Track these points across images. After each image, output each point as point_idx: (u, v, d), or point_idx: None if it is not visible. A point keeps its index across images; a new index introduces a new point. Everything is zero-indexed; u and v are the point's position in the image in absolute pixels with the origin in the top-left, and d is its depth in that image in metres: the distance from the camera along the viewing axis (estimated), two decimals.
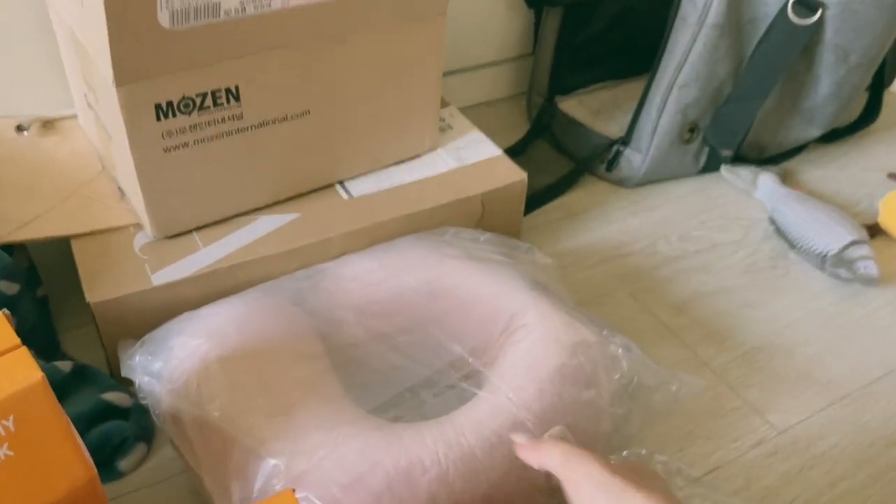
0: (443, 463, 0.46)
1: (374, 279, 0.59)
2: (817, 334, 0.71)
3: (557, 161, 0.92)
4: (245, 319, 0.53)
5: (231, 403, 0.48)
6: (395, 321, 0.58)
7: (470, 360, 0.56)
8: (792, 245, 0.79)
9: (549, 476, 0.44)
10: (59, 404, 0.38)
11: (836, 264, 0.75)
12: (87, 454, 0.39)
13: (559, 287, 0.63)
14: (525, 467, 0.45)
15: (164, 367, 0.51)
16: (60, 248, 0.65)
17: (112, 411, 0.57)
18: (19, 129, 0.71)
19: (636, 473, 0.41)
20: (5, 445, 0.36)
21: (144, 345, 0.53)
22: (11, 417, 0.36)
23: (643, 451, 0.53)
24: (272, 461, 0.45)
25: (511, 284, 0.58)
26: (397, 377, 0.56)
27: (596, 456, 0.42)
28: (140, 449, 0.56)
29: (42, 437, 0.37)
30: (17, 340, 0.38)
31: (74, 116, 0.73)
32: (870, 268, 0.74)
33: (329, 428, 0.47)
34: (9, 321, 0.39)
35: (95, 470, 0.39)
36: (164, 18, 0.50)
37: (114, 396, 0.57)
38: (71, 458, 0.38)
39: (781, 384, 0.66)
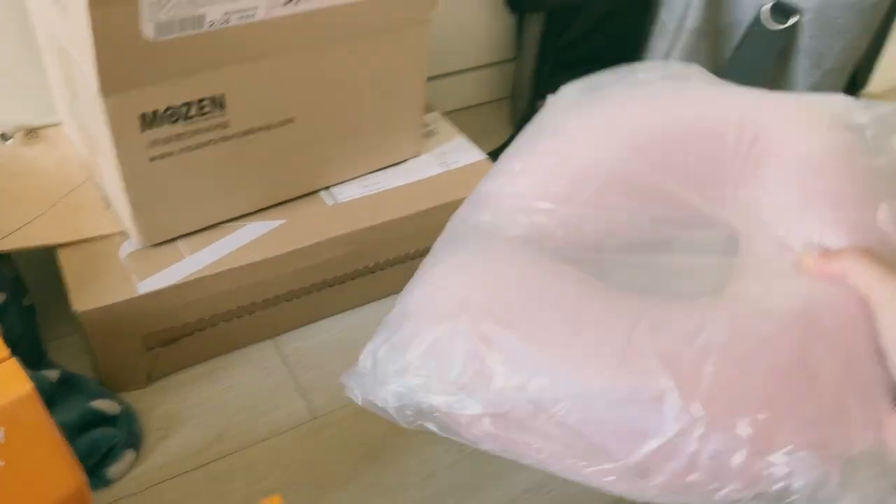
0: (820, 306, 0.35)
1: (548, 174, 0.45)
2: None
3: None
4: (487, 276, 0.41)
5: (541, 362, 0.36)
6: (608, 197, 0.44)
7: (707, 204, 0.43)
8: None
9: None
10: (48, 415, 0.38)
11: None
12: (76, 463, 0.40)
13: None
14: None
15: (431, 368, 0.38)
16: (46, 257, 0.65)
17: (100, 419, 0.57)
18: (3, 137, 0.71)
19: None
20: None
21: (371, 363, 0.40)
22: (2, 429, 0.36)
23: None
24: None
25: (723, 90, 0.46)
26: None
27: None
28: (128, 456, 0.57)
29: (32, 447, 0.37)
30: (6, 352, 0.39)
31: (59, 124, 0.74)
32: None
33: (679, 338, 0.35)
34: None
35: (85, 478, 0.40)
36: (148, 30, 0.50)
37: (102, 404, 0.58)
38: (60, 467, 0.39)
39: None
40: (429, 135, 0.78)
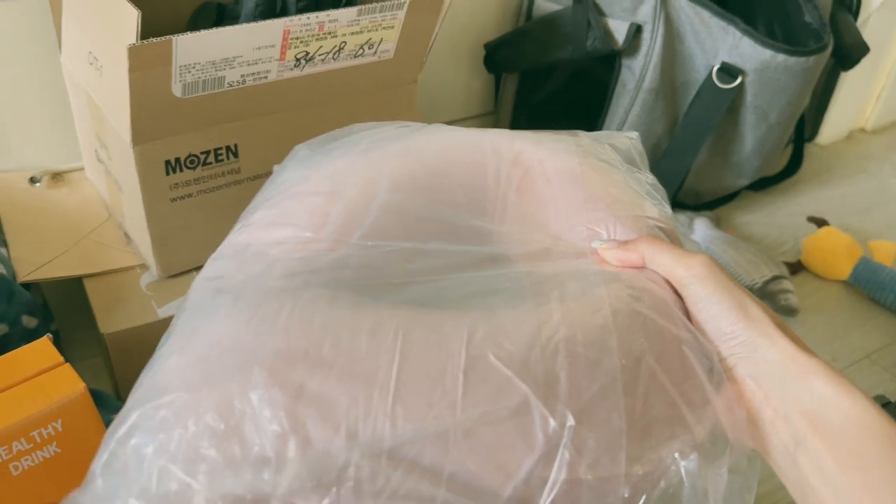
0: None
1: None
2: None
3: None
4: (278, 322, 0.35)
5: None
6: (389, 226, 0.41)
7: (476, 224, 0.42)
8: None
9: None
10: (97, 411, 0.45)
11: (761, 297, 0.85)
12: None
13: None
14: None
15: None
16: (68, 289, 0.73)
17: None
18: (32, 180, 0.79)
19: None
20: (54, 444, 0.43)
21: None
22: (60, 421, 0.43)
23: None
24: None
25: (486, 133, 0.46)
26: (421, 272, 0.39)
27: (706, 256, 0.37)
28: None
29: (84, 437, 0.44)
30: (61, 358, 0.46)
31: (82, 169, 0.82)
32: (790, 300, 0.84)
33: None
34: (52, 343, 0.47)
35: None
36: (177, 90, 0.59)
37: None
38: None
39: None
40: None
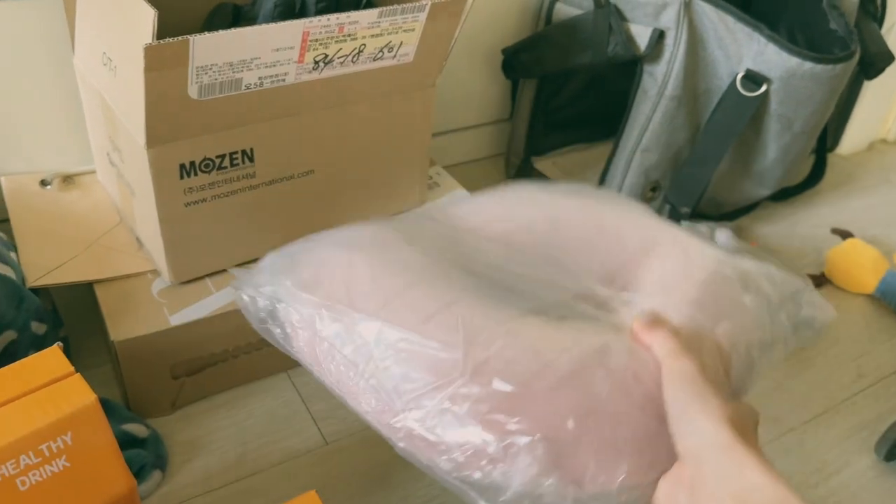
0: (631, 350, 0.44)
1: (493, 214, 0.56)
2: (767, 373, 0.79)
3: None
4: (379, 236, 0.51)
5: (392, 302, 0.45)
6: (524, 249, 0.54)
7: (609, 279, 0.52)
8: None
9: None
10: (108, 424, 0.44)
11: None
12: (128, 468, 0.45)
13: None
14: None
15: (296, 279, 0.48)
16: (76, 294, 0.71)
17: (130, 441, 0.62)
18: (43, 183, 0.78)
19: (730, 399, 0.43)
20: (63, 457, 0.42)
21: (271, 266, 0.50)
22: (69, 433, 0.42)
23: None
24: (454, 354, 0.42)
25: (636, 215, 0.57)
26: (542, 292, 0.51)
27: (699, 363, 0.43)
28: (156, 476, 0.62)
29: (93, 450, 0.43)
30: (72, 368, 0.44)
31: (92, 172, 0.80)
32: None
33: (497, 322, 0.44)
34: (62, 352, 0.46)
35: (136, 482, 0.45)
36: (193, 91, 0.57)
37: (132, 427, 0.63)
38: (116, 470, 0.44)
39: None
40: (432, 186, 0.85)
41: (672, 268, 0.52)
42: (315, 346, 0.46)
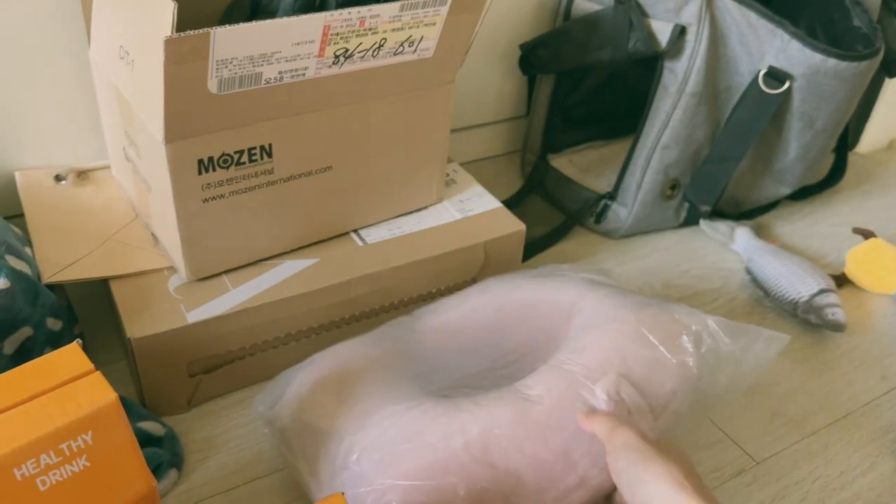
0: (497, 417, 0.54)
1: (454, 327, 0.66)
2: (790, 375, 0.78)
3: (550, 213, 0.99)
4: (344, 357, 0.61)
5: (323, 409, 0.57)
6: (473, 336, 0.65)
7: (538, 349, 0.62)
8: (766, 293, 0.86)
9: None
10: (128, 423, 0.43)
11: (807, 311, 0.82)
12: (148, 468, 0.44)
13: (627, 290, 0.68)
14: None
15: (279, 398, 0.60)
16: (90, 290, 0.71)
17: (146, 439, 0.62)
18: (57, 178, 0.77)
19: (666, 447, 0.48)
20: (84, 457, 0.41)
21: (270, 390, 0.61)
22: (90, 432, 0.41)
23: None
24: (348, 438, 0.53)
25: (569, 285, 0.65)
26: (464, 367, 0.64)
27: (636, 429, 0.49)
28: (172, 475, 0.61)
29: (114, 450, 0.42)
30: (92, 366, 0.44)
31: (107, 167, 0.79)
32: (837, 314, 0.81)
33: (394, 403, 0.55)
34: (81, 349, 0.45)
35: (156, 482, 0.44)
36: (212, 85, 0.56)
37: (148, 426, 0.62)
38: (137, 470, 0.43)
39: (758, 419, 0.72)
40: (449, 183, 0.84)
41: (581, 328, 0.60)
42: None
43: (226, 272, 0.68)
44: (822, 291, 0.82)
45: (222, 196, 0.63)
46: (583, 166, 1.03)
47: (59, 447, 0.40)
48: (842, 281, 0.90)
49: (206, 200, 0.63)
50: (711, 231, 0.96)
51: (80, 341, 0.45)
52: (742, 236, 0.93)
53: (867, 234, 0.94)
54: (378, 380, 0.58)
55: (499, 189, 0.93)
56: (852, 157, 1.19)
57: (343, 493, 0.39)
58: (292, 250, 0.71)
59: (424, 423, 0.53)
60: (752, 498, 0.65)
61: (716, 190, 0.92)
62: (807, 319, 0.83)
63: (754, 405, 0.74)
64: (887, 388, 0.77)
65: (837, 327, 0.81)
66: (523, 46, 0.96)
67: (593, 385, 0.55)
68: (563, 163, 1.03)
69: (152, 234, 0.71)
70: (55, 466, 0.40)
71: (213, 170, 0.62)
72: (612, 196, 0.94)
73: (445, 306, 0.67)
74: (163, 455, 0.61)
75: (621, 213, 0.94)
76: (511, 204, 0.96)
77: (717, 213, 0.98)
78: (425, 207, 0.80)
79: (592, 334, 0.58)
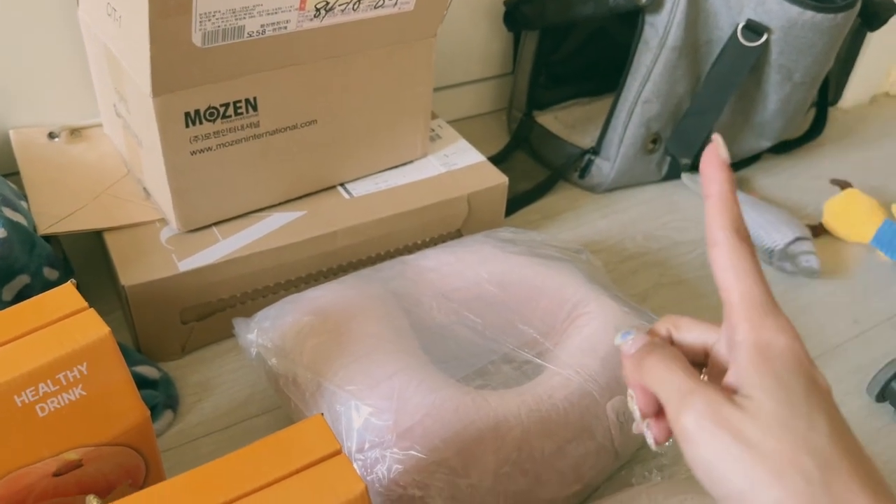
0: (525, 423, 0.54)
1: (451, 270, 0.68)
2: None
3: (535, 169, 1.01)
4: (344, 299, 0.62)
5: (341, 368, 0.57)
6: (471, 306, 0.66)
7: (540, 340, 0.64)
8: None
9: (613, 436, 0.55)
10: (121, 355, 0.45)
11: (782, 258, 0.85)
12: (141, 400, 0.47)
13: (609, 282, 0.72)
14: (592, 431, 0.56)
15: (278, 338, 0.60)
16: (85, 244, 0.73)
17: (142, 382, 0.64)
18: (51, 136, 0.79)
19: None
20: (80, 386, 0.43)
21: (259, 322, 0.61)
22: (85, 363, 0.43)
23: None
24: (384, 417, 0.53)
25: (572, 279, 0.67)
26: (479, 353, 0.64)
27: (722, 395, 0.31)
28: (167, 415, 0.64)
29: (108, 379, 0.44)
30: (85, 304, 0.46)
31: (99, 125, 0.81)
32: (811, 261, 0.84)
33: (428, 391, 0.55)
34: (75, 288, 0.47)
35: (149, 412, 0.47)
36: (197, 38, 0.58)
37: (143, 369, 0.65)
38: (130, 399, 0.46)
39: None
40: (434, 139, 0.85)
41: (590, 333, 0.62)
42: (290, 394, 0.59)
43: (215, 224, 0.70)
44: (797, 239, 0.85)
45: (210, 149, 0.65)
46: (568, 123, 1.05)
47: (56, 376, 0.42)
48: (819, 231, 0.92)
49: (194, 153, 0.65)
50: (692, 184, 0.98)
51: (74, 281, 0.48)
52: None
53: (844, 185, 0.96)
54: (394, 348, 0.59)
55: (485, 146, 0.95)
56: (834, 112, 1.20)
57: (322, 414, 0.42)
58: (280, 203, 0.73)
59: (460, 422, 0.54)
60: None
61: (696, 143, 0.94)
62: (782, 268, 0.85)
63: None
64: (858, 331, 0.80)
65: (811, 273, 0.84)
66: (507, 2, 0.97)
67: (605, 403, 0.58)
68: (549, 119, 1.05)
69: (144, 189, 0.73)
70: (53, 395, 0.42)
71: (200, 123, 0.64)
72: (595, 151, 0.96)
73: (445, 264, 0.68)
74: (158, 397, 0.64)
75: (604, 167, 0.96)
76: (497, 160, 0.97)
77: (699, 167, 0.99)
78: (410, 162, 0.82)
79: (602, 348, 0.60)
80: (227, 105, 0.64)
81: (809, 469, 0.29)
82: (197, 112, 0.63)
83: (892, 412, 0.70)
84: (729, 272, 0.34)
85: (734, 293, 0.33)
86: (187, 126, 0.63)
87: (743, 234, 0.34)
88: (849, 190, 0.94)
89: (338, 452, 0.40)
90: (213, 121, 0.64)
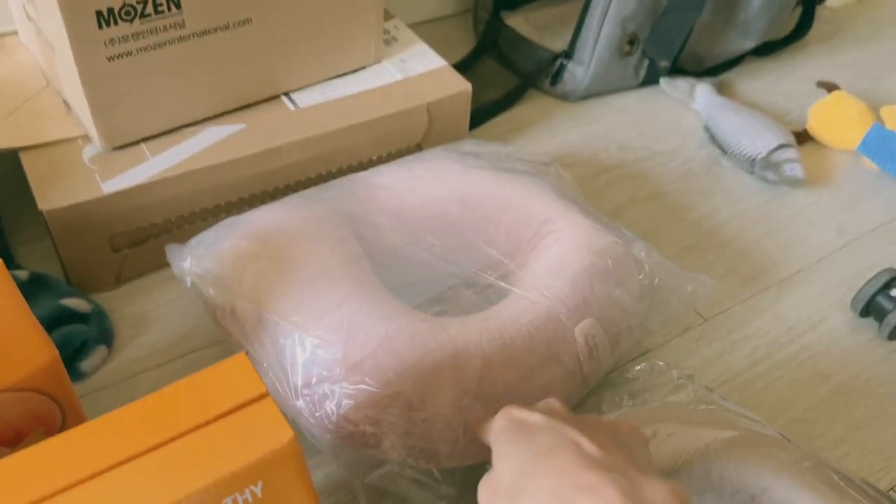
0: (486, 351, 0.50)
1: (406, 187, 0.61)
2: (744, 233, 0.76)
3: (503, 77, 0.94)
4: (287, 222, 0.56)
5: (284, 297, 0.51)
6: (429, 226, 0.60)
7: (504, 261, 0.59)
8: (724, 151, 0.83)
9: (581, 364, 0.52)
10: (17, 288, 0.40)
11: (765, 167, 0.79)
12: (48, 338, 0.41)
13: (580, 197, 0.66)
14: (559, 357, 0.52)
15: (214, 266, 0.53)
16: (7, 165, 0.66)
17: (71, 316, 0.59)
18: None
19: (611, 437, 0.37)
20: None
21: (193, 248, 0.55)
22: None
23: (661, 363, 0.58)
24: (332, 350, 0.48)
25: (539, 193, 0.61)
26: (437, 277, 0.59)
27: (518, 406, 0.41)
28: (101, 351, 0.59)
29: (3, 321, 0.39)
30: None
31: (15, 33, 0.73)
32: (795, 170, 0.78)
33: (380, 320, 0.49)
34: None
35: (57, 352, 0.41)
36: None
37: (72, 302, 0.59)
38: (35, 340, 0.40)
39: (711, 278, 0.70)
40: (389, 42, 0.78)
41: (558, 253, 0.56)
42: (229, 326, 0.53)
43: (144, 140, 0.63)
44: (780, 146, 0.79)
45: (129, 54, 0.58)
46: (539, 24, 0.97)
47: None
48: (803, 137, 0.87)
49: (111, 59, 0.57)
50: (671, 89, 0.92)
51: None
52: (702, 93, 0.89)
53: (830, 88, 0.90)
54: (345, 274, 0.53)
55: (449, 52, 0.87)
56: (822, 12, 1.13)
57: (246, 353, 0.37)
58: (215, 116, 0.66)
59: (416, 353, 0.49)
60: (699, 353, 0.64)
61: (676, 43, 0.87)
62: (764, 177, 0.80)
63: (706, 264, 0.72)
64: (842, 243, 0.76)
65: (795, 183, 0.79)
66: None
67: (573, 326, 0.53)
68: (519, 21, 0.97)
69: (64, 102, 0.66)
70: None
71: (115, 23, 0.56)
72: (568, 54, 0.89)
73: (400, 181, 0.62)
74: (89, 331, 0.58)
75: (578, 72, 0.89)
76: (462, 67, 0.90)
77: (679, 71, 0.93)
78: (363, 68, 0.74)
79: (571, 268, 0.55)
80: (144, 2, 0.56)
81: None
82: (110, 11, 0.55)
83: (877, 327, 0.67)
84: None
85: None
86: (101, 27, 0.55)
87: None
88: (836, 93, 0.88)
89: (263, 396, 0.35)
90: (130, 20, 0.56)
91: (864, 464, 0.58)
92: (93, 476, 0.31)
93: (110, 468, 0.32)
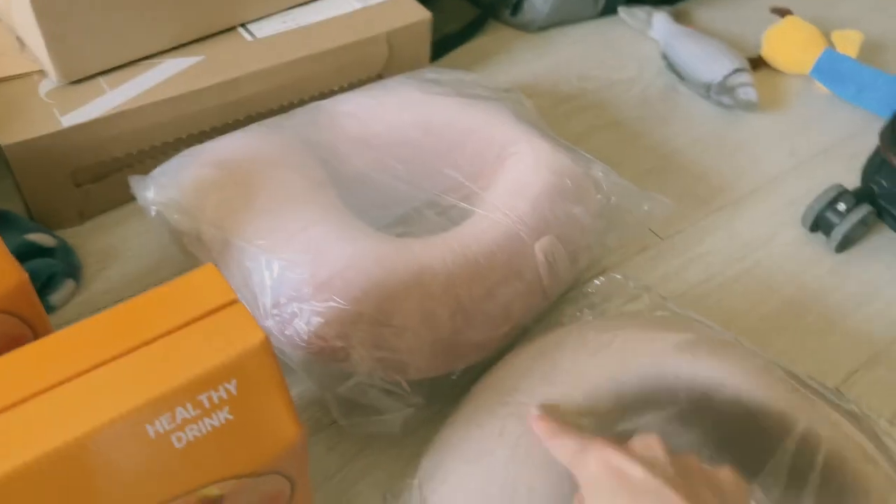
0: (450, 269, 0.51)
1: (370, 114, 0.62)
2: (701, 157, 0.78)
3: (464, 8, 0.93)
4: (250, 149, 0.57)
5: (250, 222, 0.52)
6: (393, 152, 0.61)
7: (467, 184, 0.60)
8: (681, 77, 0.84)
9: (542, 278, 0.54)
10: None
11: (720, 92, 0.81)
12: (15, 261, 0.42)
13: (541, 122, 0.67)
14: (521, 273, 0.53)
15: (178, 194, 0.54)
16: None
17: (37, 251, 0.59)
18: None
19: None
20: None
21: (156, 178, 0.55)
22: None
23: (618, 276, 0.59)
24: (299, 271, 0.49)
25: (501, 118, 0.63)
26: (402, 200, 0.60)
27: (614, 448, 0.38)
28: (69, 285, 0.59)
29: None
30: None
31: None
32: (749, 93, 0.80)
33: (346, 242, 0.51)
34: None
35: (25, 275, 0.42)
36: None
37: (37, 237, 0.59)
38: (3, 263, 0.41)
39: (668, 199, 0.72)
40: None
41: (519, 174, 0.58)
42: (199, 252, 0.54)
43: (101, 74, 0.63)
44: (735, 71, 0.81)
45: None
46: None
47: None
48: (758, 63, 0.88)
49: None
50: (629, 18, 0.92)
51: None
52: (660, 21, 0.90)
53: (784, 13, 0.91)
54: (310, 198, 0.54)
55: None
56: None
57: (214, 265, 0.38)
58: (173, 48, 0.66)
59: (382, 271, 0.50)
60: (656, 270, 0.67)
61: None
62: (720, 101, 0.82)
63: (664, 187, 0.74)
64: (794, 163, 0.78)
65: (749, 106, 0.81)
66: None
67: (533, 244, 0.54)
68: None
69: (17, 38, 0.65)
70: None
71: None
72: None
73: (363, 108, 0.62)
74: (56, 265, 0.59)
75: (537, 2, 0.89)
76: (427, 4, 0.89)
77: (637, 0, 0.94)
78: None
79: (531, 188, 0.56)
80: None
81: None
82: None
83: (825, 241, 0.70)
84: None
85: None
86: None
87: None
88: (789, 18, 0.90)
89: (234, 302, 0.36)
90: None
91: (811, 367, 0.61)
92: (68, 379, 0.32)
93: (85, 371, 0.33)
